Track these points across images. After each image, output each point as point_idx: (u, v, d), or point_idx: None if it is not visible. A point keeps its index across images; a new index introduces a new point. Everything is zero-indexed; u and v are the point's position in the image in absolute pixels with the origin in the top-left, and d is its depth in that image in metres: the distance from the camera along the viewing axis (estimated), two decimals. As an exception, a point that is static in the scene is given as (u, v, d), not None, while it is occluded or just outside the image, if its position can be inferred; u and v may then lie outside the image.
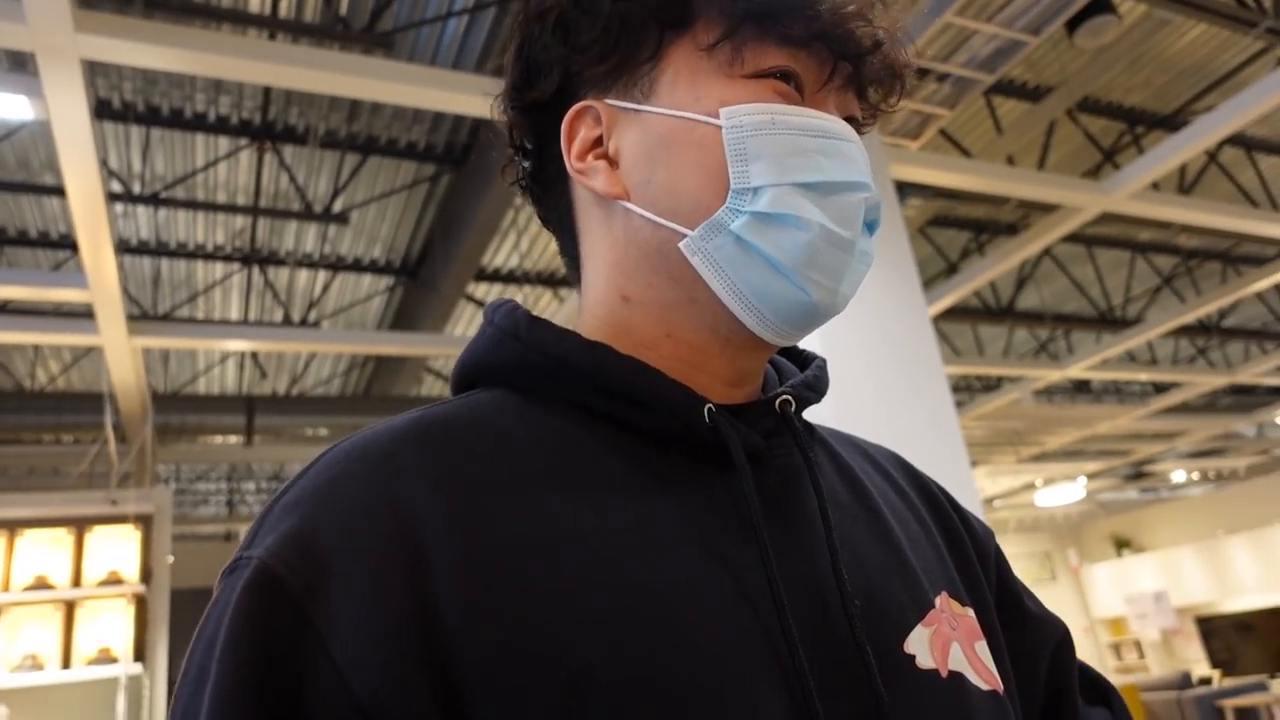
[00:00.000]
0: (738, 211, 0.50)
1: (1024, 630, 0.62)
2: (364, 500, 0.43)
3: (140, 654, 3.93)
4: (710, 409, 0.50)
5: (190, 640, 0.43)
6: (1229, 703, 5.86)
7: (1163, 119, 5.18)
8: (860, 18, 0.52)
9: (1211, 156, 5.53)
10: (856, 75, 0.54)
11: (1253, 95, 3.44)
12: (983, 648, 0.54)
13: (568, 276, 0.62)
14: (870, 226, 0.54)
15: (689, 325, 0.53)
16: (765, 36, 0.52)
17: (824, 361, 0.62)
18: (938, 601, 0.53)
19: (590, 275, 0.58)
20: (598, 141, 0.55)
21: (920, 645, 0.50)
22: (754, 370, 0.56)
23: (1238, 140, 5.42)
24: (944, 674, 0.50)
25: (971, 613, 0.56)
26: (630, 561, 0.44)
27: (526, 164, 0.61)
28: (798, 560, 0.49)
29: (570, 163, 0.56)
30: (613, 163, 0.54)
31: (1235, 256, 7.06)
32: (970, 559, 0.61)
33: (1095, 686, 0.66)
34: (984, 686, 0.52)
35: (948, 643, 0.52)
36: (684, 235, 0.51)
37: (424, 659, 0.39)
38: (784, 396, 0.54)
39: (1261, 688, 7.87)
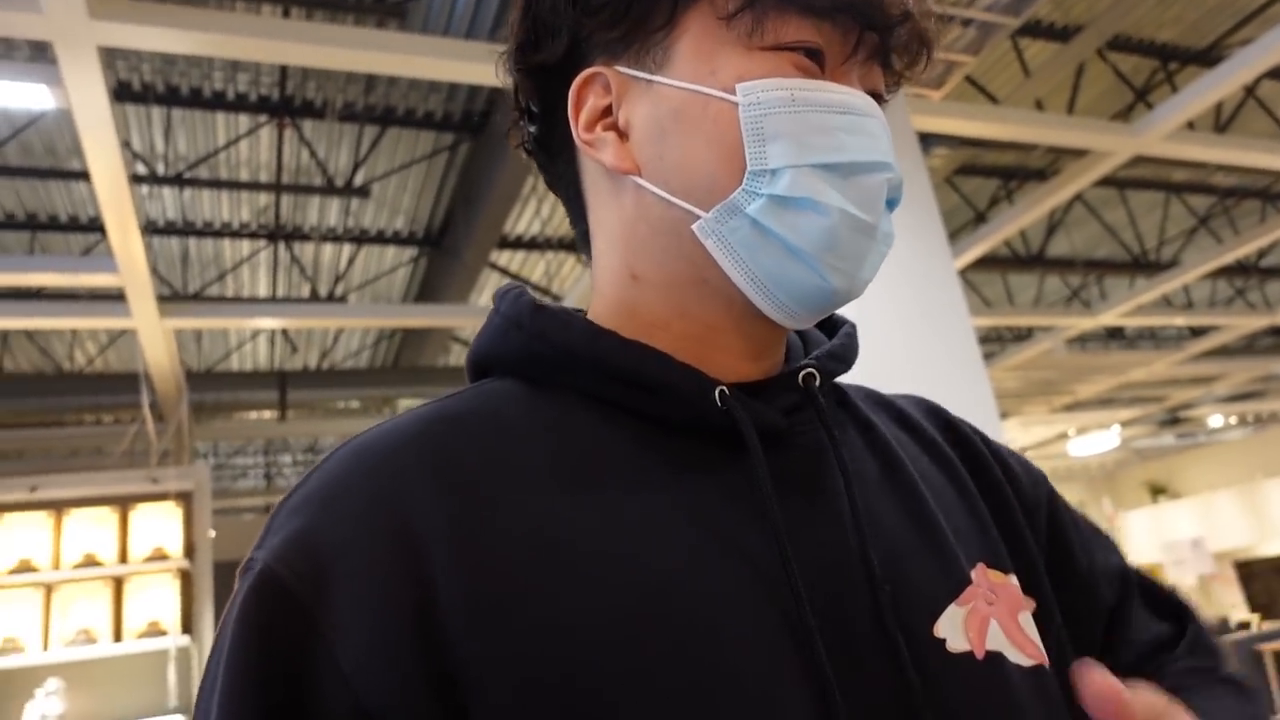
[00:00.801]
0: (755, 194, 0.48)
1: (1075, 593, 0.59)
2: (368, 502, 0.43)
3: (188, 626, 4.05)
4: (722, 391, 0.48)
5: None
6: (1268, 646, 5.82)
7: (1197, 54, 5.02)
8: None
9: (1249, 91, 5.35)
10: (882, 46, 0.52)
11: (1291, 28, 3.32)
12: (1026, 619, 0.52)
13: (577, 247, 0.60)
14: (891, 204, 0.52)
15: (701, 305, 0.52)
16: (788, 6, 0.49)
17: (853, 327, 0.59)
18: (974, 575, 0.51)
19: (599, 250, 0.56)
20: (607, 111, 0.53)
21: (953, 627, 0.48)
22: (773, 344, 0.54)
23: (1277, 74, 5.24)
24: (980, 655, 0.48)
25: (1014, 579, 0.53)
26: (640, 556, 0.43)
27: (532, 128, 0.58)
28: (820, 545, 0.48)
29: (578, 132, 0.53)
30: (622, 135, 0.52)
31: (1275, 194, 6.87)
32: (1014, 516, 0.58)
33: (1166, 606, 0.64)
34: (1026, 663, 0.49)
35: (985, 620, 0.49)
36: (697, 217, 0.49)
37: (428, 662, 0.39)
38: (807, 370, 0.52)
39: (1302, 630, 7.80)
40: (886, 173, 0.50)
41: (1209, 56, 4.99)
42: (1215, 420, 11.50)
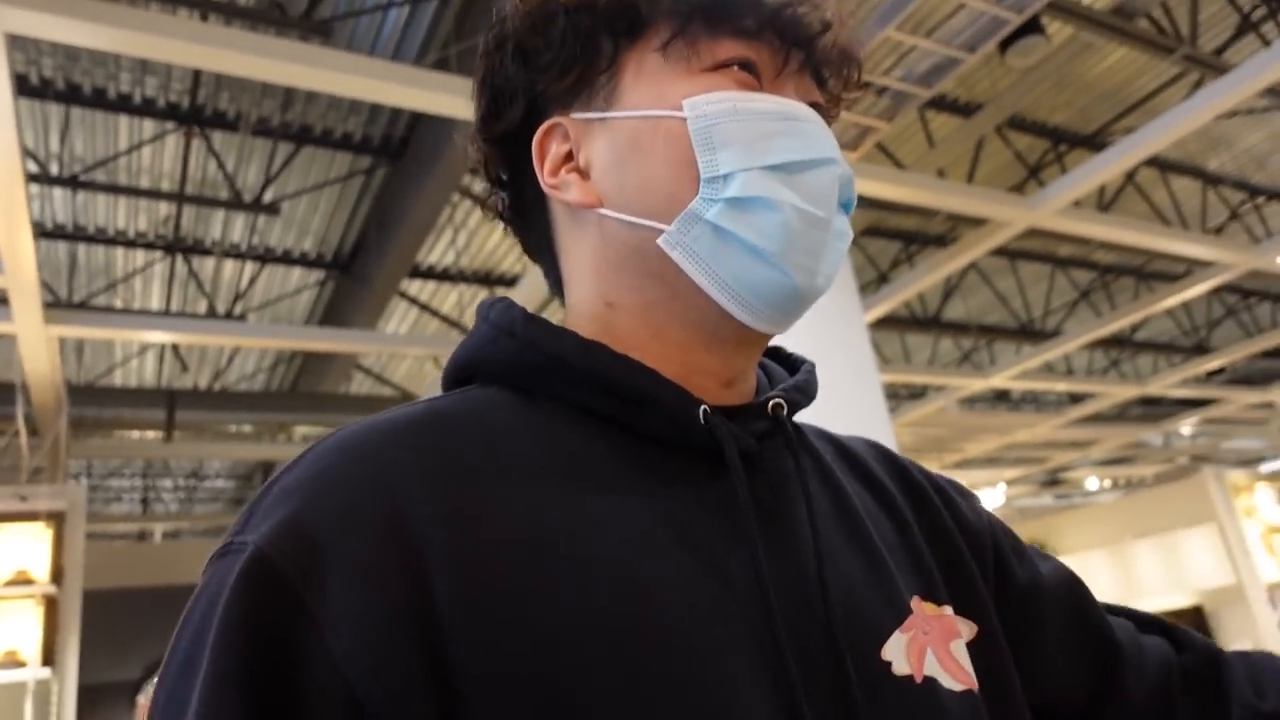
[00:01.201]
0: (711, 200, 0.51)
1: (1020, 609, 0.62)
2: (360, 490, 0.43)
3: (49, 657, 3.75)
4: (705, 410, 0.50)
5: (175, 631, 0.42)
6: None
7: (1084, 138, 5.39)
8: (806, 3, 0.54)
9: (1129, 176, 5.77)
10: (811, 60, 0.56)
11: (1169, 119, 3.60)
12: (958, 646, 0.55)
13: (552, 292, 0.62)
14: (846, 206, 0.55)
15: (674, 324, 0.54)
16: (717, 30, 0.53)
17: (813, 366, 0.62)
18: (914, 606, 0.54)
19: (573, 288, 0.58)
20: (568, 157, 0.56)
21: (897, 652, 0.51)
22: (745, 370, 0.56)
23: (1153, 161, 5.67)
24: (919, 679, 0.51)
25: (948, 610, 0.56)
26: (621, 562, 0.45)
27: (505, 195, 0.61)
28: (785, 565, 0.50)
29: (544, 179, 0.56)
30: (584, 174, 0.55)
31: (1148, 273, 7.39)
32: (959, 553, 0.61)
33: (1150, 624, 0.70)
34: (957, 688, 0.52)
35: (923, 647, 0.53)
36: (661, 231, 0.52)
37: (419, 651, 0.39)
38: (776, 400, 0.55)
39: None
40: (834, 168, 0.53)
41: (1095, 141, 5.38)
42: (1091, 483, 12.14)
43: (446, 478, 0.45)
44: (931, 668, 0.52)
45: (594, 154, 0.55)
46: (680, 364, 0.53)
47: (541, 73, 0.55)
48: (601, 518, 0.46)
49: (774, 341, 0.62)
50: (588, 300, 0.56)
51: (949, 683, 0.52)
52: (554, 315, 0.59)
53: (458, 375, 0.56)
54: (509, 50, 0.56)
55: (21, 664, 3.64)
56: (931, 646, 0.53)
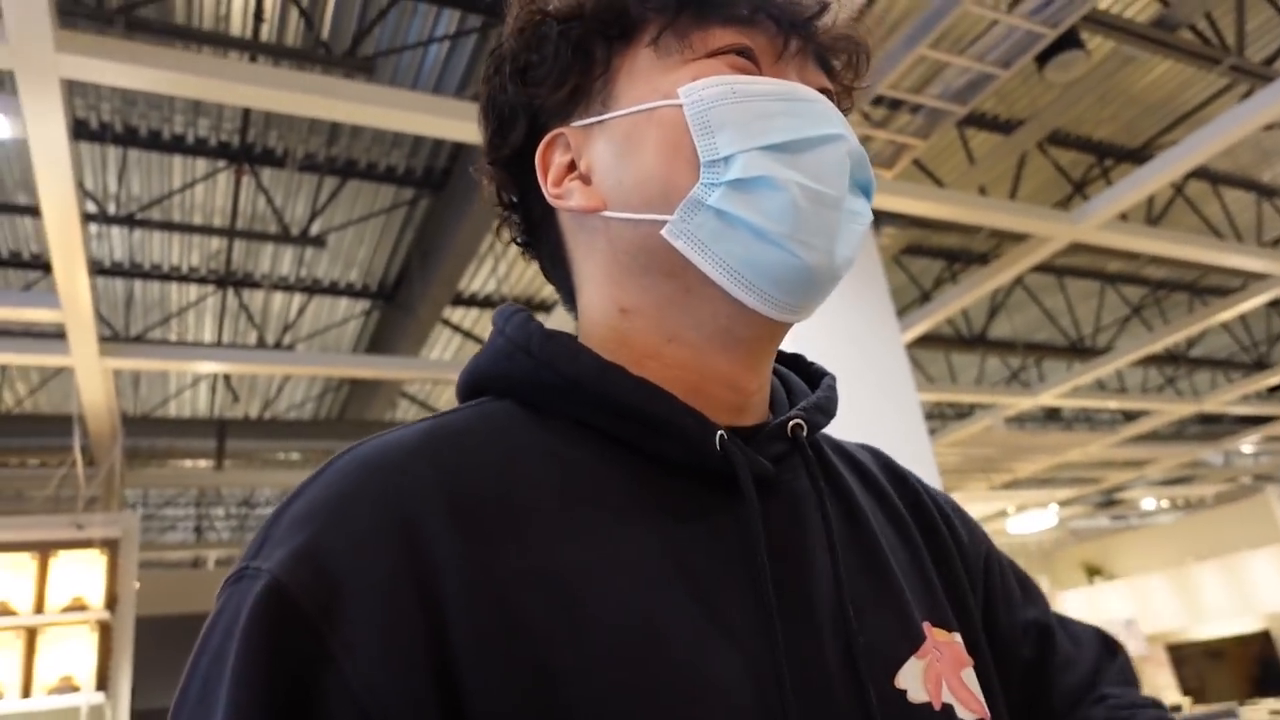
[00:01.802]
0: (713, 185, 0.50)
1: (998, 647, 0.61)
2: (377, 519, 0.42)
3: (103, 683, 3.84)
4: (722, 436, 0.49)
5: (191, 656, 0.42)
6: (1200, 730, 5.92)
7: (1130, 152, 5.30)
8: None
9: (1178, 189, 5.65)
10: (813, 45, 0.55)
11: (1215, 129, 3.53)
12: (969, 675, 0.54)
13: (565, 307, 0.62)
14: (864, 188, 0.53)
15: (689, 325, 0.53)
16: (707, 20, 0.52)
17: (834, 380, 0.61)
18: (926, 632, 0.53)
19: (585, 299, 0.57)
20: (570, 166, 0.56)
21: (913, 679, 0.50)
22: (760, 378, 0.55)
23: (1203, 174, 5.55)
24: (937, 707, 0.50)
25: (958, 638, 0.55)
26: (629, 594, 0.44)
27: (517, 218, 0.61)
28: (799, 593, 0.49)
29: (548, 190, 0.56)
30: (586, 180, 0.55)
31: (1201, 288, 7.20)
32: (958, 574, 0.60)
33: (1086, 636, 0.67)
34: (970, 717, 0.51)
35: (939, 676, 0.51)
36: (664, 222, 0.51)
37: (435, 686, 0.39)
38: (795, 420, 0.54)
39: (1231, 715, 7.91)
40: (841, 143, 0.51)
41: (1141, 155, 5.27)
42: (1148, 503, 11.80)
43: (462, 505, 0.44)
44: (948, 695, 0.51)
45: (594, 158, 0.54)
46: (695, 371, 0.52)
47: (539, 85, 0.55)
48: (613, 551, 0.45)
49: (796, 348, 0.61)
50: (600, 309, 0.55)
51: (963, 712, 0.51)
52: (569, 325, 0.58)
53: (472, 387, 0.55)
54: (507, 71, 0.56)
55: (76, 689, 3.73)
56: (944, 674, 0.52)
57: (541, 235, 0.60)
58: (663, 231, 0.51)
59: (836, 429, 0.60)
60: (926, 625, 0.54)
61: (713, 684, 0.43)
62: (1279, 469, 11.38)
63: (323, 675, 0.38)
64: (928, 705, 0.49)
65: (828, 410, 0.57)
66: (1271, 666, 9.07)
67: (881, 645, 0.50)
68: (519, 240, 0.62)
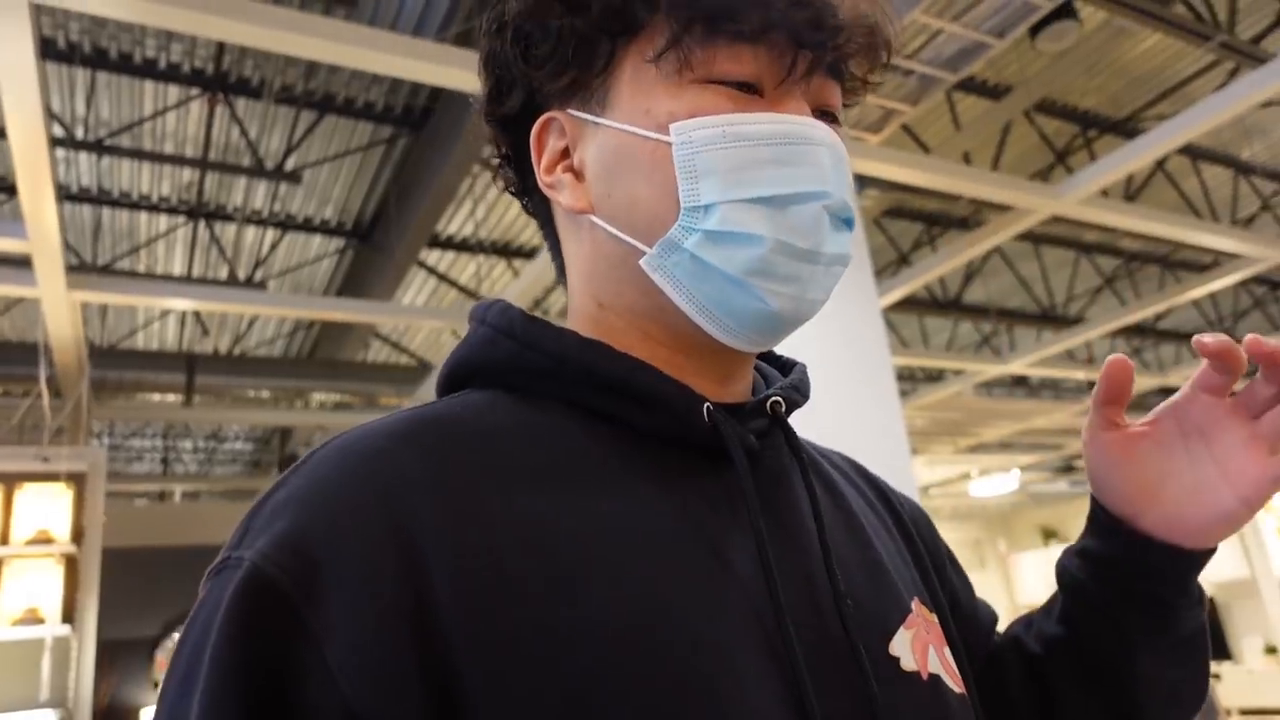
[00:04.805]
0: (690, 230, 0.49)
1: (964, 633, 0.64)
2: (357, 500, 0.42)
3: (69, 615, 3.84)
4: (709, 407, 0.50)
5: (175, 647, 0.42)
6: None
7: (1115, 123, 5.30)
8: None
9: (1159, 164, 5.68)
10: (820, 61, 0.51)
11: (1205, 108, 3.53)
12: (949, 653, 0.56)
13: (557, 277, 0.62)
14: (846, 223, 0.53)
15: (662, 331, 0.54)
16: (713, 36, 0.50)
17: (804, 366, 0.62)
18: (913, 606, 0.55)
19: (572, 282, 0.58)
20: (565, 153, 0.55)
21: (904, 647, 0.52)
22: (736, 371, 0.56)
23: (1185, 149, 5.57)
24: (924, 676, 0.51)
25: (937, 619, 0.58)
26: (625, 561, 0.44)
27: (511, 173, 0.61)
28: (791, 560, 0.50)
29: (540, 177, 0.56)
30: (578, 175, 0.54)
31: (1174, 262, 7.29)
32: (926, 566, 0.63)
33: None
34: (956, 689, 0.53)
35: (926, 646, 0.53)
36: (643, 252, 0.51)
37: (419, 665, 0.39)
38: (775, 398, 0.55)
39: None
40: (822, 200, 0.50)
41: (1125, 127, 5.28)
42: (1106, 471, 12.04)
43: (447, 484, 0.44)
44: (935, 666, 0.53)
45: (587, 157, 0.54)
46: (671, 364, 0.53)
47: (539, 67, 0.54)
48: (603, 518, 0.46)
49: None
50: (581, 298, 0.56)
51: (950, 684, 0.53)
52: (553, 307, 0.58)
53: (455, 379, 0.55)
54: (508, 36, 0.55)
55: (41, 621, 3.73)
56: (933, 646, 0.54)
57: (536, 202, 0.60)
58: (640, 262, 0.51)
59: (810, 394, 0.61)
60: (915, 601, 0.56)
61: (718, 642, 0.44)
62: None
63: (302, 658, 0.38)
64: (917, 674, 0.51)
65: (802, 390, 0.59)
66: (1215, 632, 9.39)
67: (875, 612, 0.52)
68: (513, 192, 0.62)
